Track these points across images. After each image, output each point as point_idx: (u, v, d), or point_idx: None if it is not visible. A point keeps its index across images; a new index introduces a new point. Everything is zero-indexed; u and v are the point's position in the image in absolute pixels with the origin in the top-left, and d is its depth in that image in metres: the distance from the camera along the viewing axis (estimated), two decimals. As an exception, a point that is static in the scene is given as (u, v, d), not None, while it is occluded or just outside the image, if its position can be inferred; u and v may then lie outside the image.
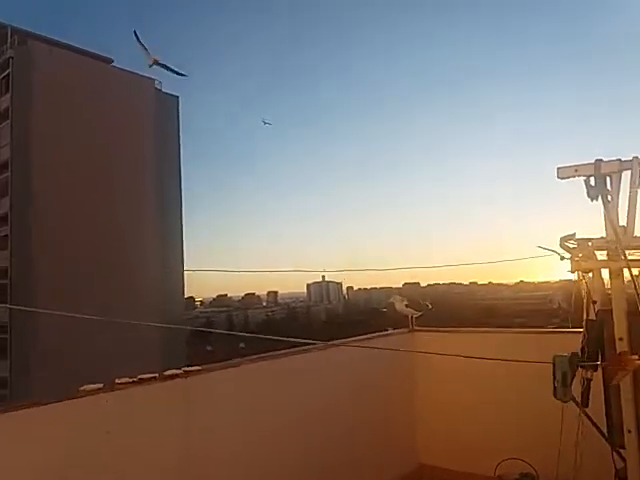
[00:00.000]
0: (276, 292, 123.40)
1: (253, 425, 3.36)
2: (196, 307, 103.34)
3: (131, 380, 2.90)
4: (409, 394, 4.53)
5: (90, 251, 29.21)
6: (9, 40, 30.39)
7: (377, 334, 4.67)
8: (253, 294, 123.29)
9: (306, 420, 3.72)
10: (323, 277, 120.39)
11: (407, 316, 4.86)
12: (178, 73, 16.43)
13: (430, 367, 4.30)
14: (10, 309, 28.18)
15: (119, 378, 2.95)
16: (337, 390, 4.00)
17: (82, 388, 2.75)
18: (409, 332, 4.80)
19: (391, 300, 4.81)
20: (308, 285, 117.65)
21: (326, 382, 3.95)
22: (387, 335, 4.79)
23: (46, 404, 2.61)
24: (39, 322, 26.58)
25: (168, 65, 15.23)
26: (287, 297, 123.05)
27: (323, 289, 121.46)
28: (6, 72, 30.19)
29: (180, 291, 35.70)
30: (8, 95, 29.74)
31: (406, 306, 4.70)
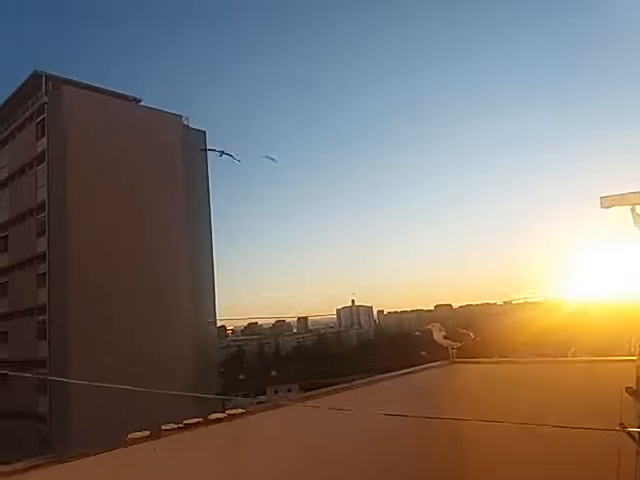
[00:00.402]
0: (306, 318, 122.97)
1: (298, 465, 3.33)
2: (227, 336, 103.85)
3: (177, 426, 2.93)
4: (452, 435, 4.38)
5: (124, 283, 29.74)
6: (43, 87, 31.89)
7: (417, 368, 4.56)
8: (283, 321, 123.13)
9: (349, 458, 3.65)
10: (353, 301, 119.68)
11: (445, 347, 4.76)
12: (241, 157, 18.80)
13: (475, 404, 4.01)
14: (49, 345, 28.77)
15: (164, 422, 2.98)
16: (379, 427, 3.92)
17: (130, 436, 2.79)
18: (449, 364, 4.66)
19: (429, 327, 4.69)
20: (338, 310, 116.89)
21: (367, 420, 3.88)
22: (426, 369, 4.68)
23: (96, 454, 2.65)
24: (75, 356, 27.01)
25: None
26: (317, 323, 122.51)
27: (353, 314, 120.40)
28: (41, 117, 31.57)
29: (212, 321, 35.93)
30: (44, 139, 31.03)
31: (444, 337, 4.60)
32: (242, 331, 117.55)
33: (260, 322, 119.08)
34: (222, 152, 29.60)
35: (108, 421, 22.83)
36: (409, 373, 4.36)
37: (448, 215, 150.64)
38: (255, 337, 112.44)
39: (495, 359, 4.66)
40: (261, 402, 3.29)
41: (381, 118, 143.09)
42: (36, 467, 2.59)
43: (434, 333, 4.60)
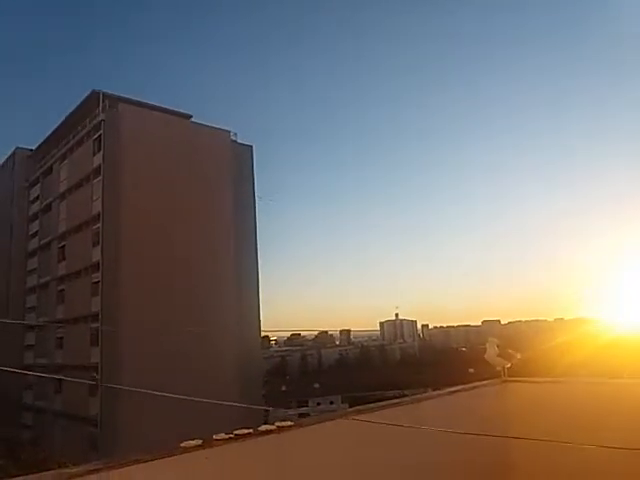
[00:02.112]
0: (349, 331, 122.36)
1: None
2: (271, 346, 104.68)
3: (227, 437, 2.97)
4: (504, 456, 4.21)
5: (173, 293, 30.55)
6: (100, 104, 33.51)
7: (468, 385, 4.44)
8: (326, 332, 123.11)
9: (396, 475, 3.57)
10: (397, 315, 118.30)
11: (496, 365, 4.61)
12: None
13: (527, 425, 3.80)
14: (101, 351, 29.83)
15: (208, 429, 3.02)
16: (428, 445, 3.82)
17: (183, 444, 2.85)
18: (501, 383, 4.52)
19: (487, 345, 4.53)
20: (381, 323, 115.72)
21: (416, 437, 3.80)
22: (478, 387, 4.54)
23: (150, 461, 2.72)
24: (126, 362, 27.82)
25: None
26: (360, 336, 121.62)
27: (397, 327, 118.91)
28: (98, 133, 33.14)
29: (257, 331, 36.30)
30: (100, 154, 32.54)
31: (497, 355, 4.45)
32: (285, 342, 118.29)
33: (303, 333, 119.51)
34: (270, 200, 30.89)
35: (155, 426, 23.41)
36: (460, 391, 4.24)
37: (497, 229, 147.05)
38: (298, 348, 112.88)
39: (549, 379, 4.46)
40: (303, 414, 3.26)
41: (431, 130, 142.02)
42: (91, 472, 2.66)
43: (487, 350, 4.45)
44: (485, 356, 4.54)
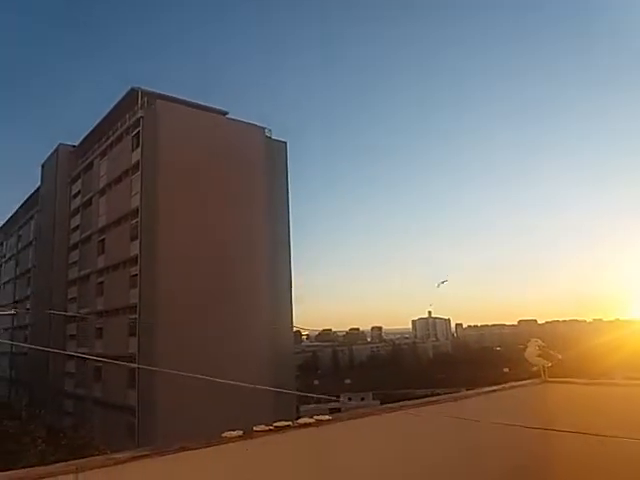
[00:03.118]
0: (380, 328, 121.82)
1: (385, 476, 3.29)
2: (302, 341, 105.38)
3: (267, 428, 3.01)
4: (544, 455, 4.14)
5: (207, 287, 31.09)
6: (139, 102, 34.31)
7: (507, 385, 4.35)
8: (357, 329, 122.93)
9: (433, 477, 3.55)
10: (429, 313, 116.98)
11: (535, 365, 4.52)
12: None
13: (575, 427, 3.63)
14: (138, 341, 30.66)
15: (243, 420, 3.06)
16: (465, 442, 3.79)
17: (224, 434, 2.91)
18: (541, 383, 4.41)
19: (528, 344, 4.44)
20: (413, 321, 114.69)
21: (452, 437, 3.76)
22: (517, 387, 4.44)
23: (192, 449, 2.78)
24: (163, 353, 28.46)
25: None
26: (391, 333, 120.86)
27: (429, 325, 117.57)
28: (137, 130, 33.96)
29: (289, 325, 36.59)
30: (139, 150, 33.36)
31: (538, 355, 4.36)
32: (316, 337, 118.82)
33: (334, 329, 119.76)
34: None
35: (191, 416, 23.95)
36: (500, 390, 4.17)
37: (536, 227, 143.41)
38: (329, 344, 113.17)
39: (592, 380, 4.33)
40: (334, 409, 3.27)
41: (466, 125, 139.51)
42: (136, 458, 2.74)
43: (528, 349, 4.36)
44: (525, 355, 4.45)
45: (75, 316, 39.99)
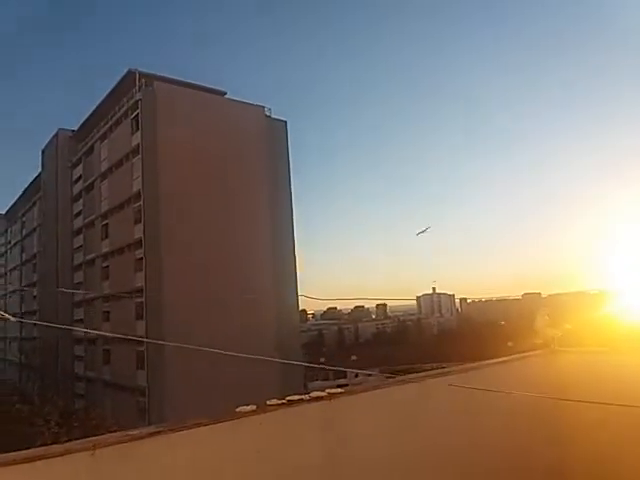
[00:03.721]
0: (385, 305, 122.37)
1: (396, 448, 3.33)
2: (308, 319, 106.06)
3: (280, 402, 3.03)
4: (554, 423, 4.15)
5: (210, 266, 31.17)
6: (137, 84, 33.90)
7: (516, 356, 4.37)
8: (362, 307, 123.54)
9: (443, 446, 3.59)
10: (434, 289, 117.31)
11: (544, 335, 4.53)
12: None
13: (579, 394, 3.71)
14: (146, 324, 30.94)
15: (251, 399, 3.09)
16: (472, 416, 3.81)
17: (238, 409, 2.94)
18: (550, 353, 4.42)
19: (537, 315, 4.45)
20: (418, 297, 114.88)
21: (462, 407, 3.79)
22: (526, 357, 4.46)
23: (207, 425, 2.81)
24: (170, 335, 28.66)
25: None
26: (396, 310, 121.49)
27: (434, 301, 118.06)
28: (136, 112, 33.63)
29: (295, 304, 36.76)
30: (138, 133, 33.10)
31: (547, 325, 4.37)
32: (322, 315, 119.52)
33: (339, 307, 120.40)
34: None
35: (200, 397, 24.28)
36: (510, 361, 4.19)
37: (539, 202, 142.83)
38: (334, 322, 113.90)
39: (601, 348, 4.34)
40: (341, 385, 3.31)
41: (466, 107, 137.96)
42: (152, 435, 2.77)
43: (537, 319, 4.38)
44: (535, 325, 4.47)
45: (82, 301, 40.33)
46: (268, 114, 37.10)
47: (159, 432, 2.76)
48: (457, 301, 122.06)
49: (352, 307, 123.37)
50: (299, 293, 36.69)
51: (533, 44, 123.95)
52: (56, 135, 44.34)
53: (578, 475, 4.09)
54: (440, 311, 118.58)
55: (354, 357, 76.47)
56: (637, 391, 3.50)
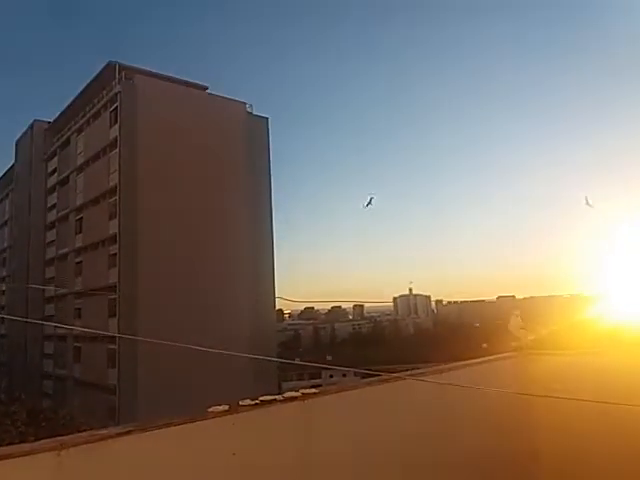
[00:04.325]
0: (362, 305, 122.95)
1: (369, 449, 3.32)
2: (284, 319, 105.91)
3: (253, 403, 2.99)
4: (526, 422, 4.23)
5: (186, 264, 30.86)
6: (117, 76, 33.37)
7: (488, 357, 4.42)
8: (339, 307, 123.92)
9: (416, 445, 3.60)
10: (410, 290, 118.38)
11: (518, 337, 4.61)
12: None
13: (552, 403, 3.73)
14: (119, 321, 30.44)
15: (224, 397, 3.05)
16: (445, 416, 3.84)
17: (210, 409, 2.89)
18: (521, 355, 4.49)
19: (511, 318, 4.53)
20: (395, 298, 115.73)
21: (436, 407, 3.82)
22: (497, 359, 4.52)
23: (179, 424, 2.75)
24: (143, 332, 28.31)
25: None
26: (373, 311, 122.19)
27: (410, 302, 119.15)
28: (114, 105, 33.09)
29: (272, 303, 36.60)
30: (116, 126, 32.57)
31: (521, 328, 4.44)
32: (299, 315, 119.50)
33: (316, 307, 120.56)
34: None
35: (172, 396, 23.97)
36: (483, 362, 4.23)
37: (515, 205, 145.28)
38: (311, 322, 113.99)
39: (573, 351, 4.43)
40: (315, 386, 3.29)
41: (451, 103, 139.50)
42: (121, 435, 2.70)
43: (511, 321, 4.46)
44: (509, 327, 4.54)
45: (53, 296, 39.46)
46: (249, 110, 36.93)
47: (129, 432, 2.69)
48: (433, 303, 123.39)
49: (330, 307, 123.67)
50: (276, 294, 36.62)
51: (534, 45, 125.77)
52: (31, 126, 43.33)
53: (547, 470, 4.19)
54: (416, 312, 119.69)
55: (329, 357, 76.61)
56: (609, 389, 3.58)
